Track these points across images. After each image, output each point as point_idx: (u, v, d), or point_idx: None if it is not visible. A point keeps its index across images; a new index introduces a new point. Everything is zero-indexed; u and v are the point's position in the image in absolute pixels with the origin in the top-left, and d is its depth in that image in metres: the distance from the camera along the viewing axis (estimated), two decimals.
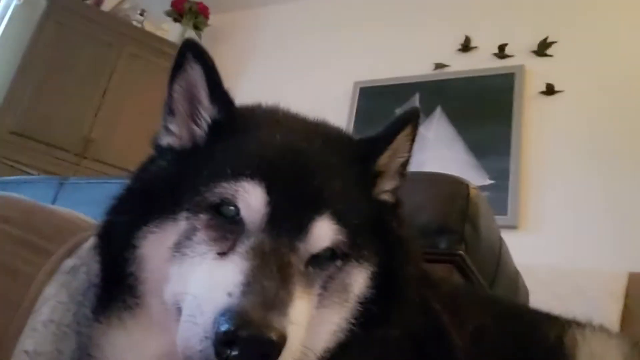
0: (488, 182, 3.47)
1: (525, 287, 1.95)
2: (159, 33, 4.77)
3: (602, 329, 0.80)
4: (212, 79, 0.73)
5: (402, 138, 0.75)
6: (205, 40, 4.99)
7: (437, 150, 3.73)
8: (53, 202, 2.18)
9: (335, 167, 0.69)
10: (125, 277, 0.68)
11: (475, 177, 3.48)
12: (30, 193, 2.35)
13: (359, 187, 0.71)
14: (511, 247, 2.04)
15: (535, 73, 3.64)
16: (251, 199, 0.63)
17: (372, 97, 4.12)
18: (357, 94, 4.19)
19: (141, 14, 4.71)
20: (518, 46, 3.75)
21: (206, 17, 4.91)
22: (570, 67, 3.57)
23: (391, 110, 3.95)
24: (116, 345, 0.67)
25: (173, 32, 4.96)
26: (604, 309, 2.73)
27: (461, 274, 1.33)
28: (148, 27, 4.78)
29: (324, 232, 0.63)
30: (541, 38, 3.68)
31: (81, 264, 0.74)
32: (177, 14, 4.83)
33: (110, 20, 4.51)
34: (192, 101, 0.74)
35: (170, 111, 0.76)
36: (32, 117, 4.04)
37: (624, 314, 2.72)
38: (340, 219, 0.64)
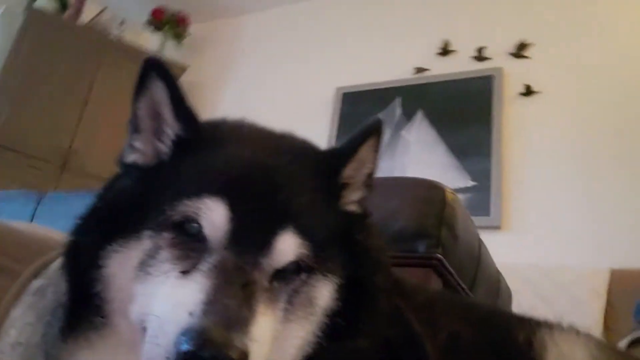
0: (470, 183, 3.50)
1: (507, 287, 1.96)
2: (138, 43, 4.75)
3: (571, 329, 0.81)
4: (176, 96, 0.73)
5: (366, 149, 0.75)
6: (186, 50, 4.99)
7: (419, 153, 3.76)
8: (32, 217, 2.16)
9: (300, 181, 0.70)
10: (92, 297, 0.67)
11: (457, 178, 3.51)
12: (9, 208, 2.33)
13: (323, 200, 0.71)
14: (495, 247, 2.06)
15: (514, 75, 3.69)
16: (214, 216, 0.62)
17: (354, 102, 4.14)
18: (340, 100, 4.20)
19: (120, 25, 4.68)
20: (496, 49, 3.80)
21: (186, 26, 4.90)
22: (547, 68, 3.62)
23: (374, 114, 3.97)
24: None
25: (153, 42, 4.94)
26: (587, 306, 2.77)
27: (440, 277, 1.34)
28: (128, 37, 4.75)
29: (287, 247, 0.63)
30: (518, 40, 3.74)
31: (49, 284, 0.73)
32: (157, 24, 4.81)
33: (89, 32, 4.49)
34: (157, 118, 0.74)
35: (135, 129, 0.76)
36: (13, 128, 4.00)
37: (607, 310, 2.76)
38: (304, 232, 0.65)
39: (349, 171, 0.75)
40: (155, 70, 0.73)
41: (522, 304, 2.77)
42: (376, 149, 0.76)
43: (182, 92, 0.73)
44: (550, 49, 3.66)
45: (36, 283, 0.73)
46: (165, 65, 0.73)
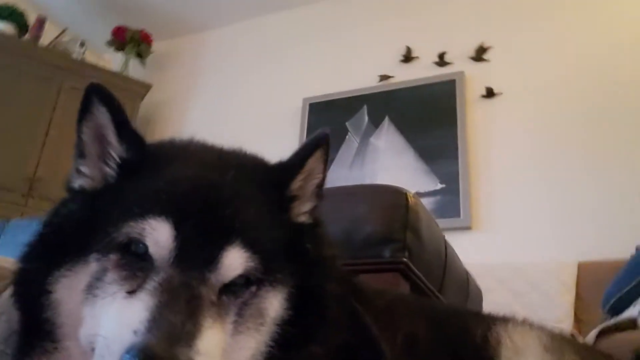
0: (439, 186, 3.55)
1: (477, 287, 2.00)
2: (101, 64, 4.69)
3: (525, 322, 0.83)
4: (119, 119, 0.74)
5: (313, 161, 0.76)
6: (150, 68, 4.95)
7: (388, 159, 3.80)
8: None
9: (246, 196, 0.70)
10: (43, 323, 0.67)
11: (426, 182, 3.57)
12: None
13: (271, 213, 0.72)
14: (466, 248, 2.10)
15: (475, 78, 3.78)
16: (158, 236, 0.63)
17: (322, 112, 4.18)
18: (307, 110, 4.23)
19: (81, 46, 4.62)
20: (456, 53, 3.89)
21: (149, 44, 4.86)
22: (506, 70, 3.73)
23: (342, 123, 4.02)
24: None
25: (115, 61, 4.89)
26: (558, 300, 2.83)
27: (408, 281, 1.36)
28: (89, 58, 4.69)
29: (234, 261, 0.64)
30: (477, 44, 3.84)
31: (1, 312, 0.72)
32: (119, 43, 4.76)
33: (49, 55, 4.41)
34: (101, 142, 0.75)
35: (80, 154, 0.76)
36: None
37: (576, 303, 2.82)
38: (251, 245, 0.65)
39: (297, 183, 0.76)
40: (98, 95, 0.74)
41: (496, 301, 2.82)
42: (324, 160, 0.77)
43: (125, 115, 0.74)
44: (508, 51, 3.77)
45: None
46: (107, 91, 0.74)
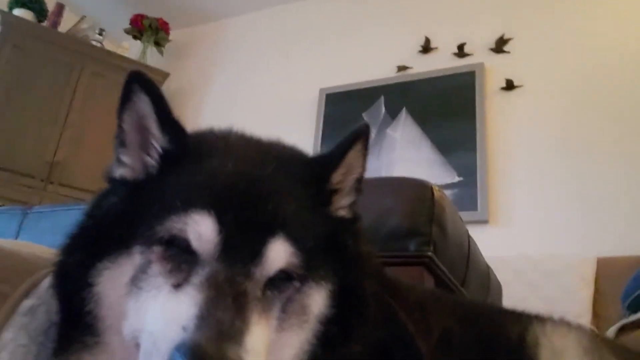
0: (457, 179, 3.53)
1: (497, 281, 1.99)
2: (119, 51, 4.71)
3: (562, 322, 0.82)
4: (161, 109, 0.73)
5: (354, 154, 0.75)
6: (168, 57, 4.96)
7: (405, 151, 3.78)
8: (17, 233, 2.12)
9: (288, 189, 0.70)
10: (84, 316, 0.67)
11: (443, 175, 3.54)
12: None
13: (313, 207, 0.71)
14: (484, 241, 2.08)
15: (495, 70, 3.73)
16: (201, 230, 0.62)
17: (338, 103, 4.15)
18: (324, 101, 4.21)
19: (100, 33, 4.64)
20: (476, 45, 3.84)
21: (167, 32, 4.86)
22: (527, 62, 3.67)
23: (358, 114, 4.00)
24: None
25: (134, 49, 4.90)
26: (576, 294, 2.81)
27: (432, 274, 1.35)
28: (108, 45, 4.71)
29: (278, 255, 0.63)
30: (498, 35, 3.78)
31: (40, 303, 0.72)
32: (137, 31, 4.77)
33: (69, 41, 4.43)
34: (143, 132, 0.74)
35: (121, 143, 0.75)
36: None
37: (595, 298, 2.80)
38: (294, 240, 0.65)
39: (337, 177, 0.75)
40: (139, 83, 0.72)
41: (513, 295, 2.81)
42: (364, 154, 0.76)
43: (167, 104, 0.73)
44: (529, 43, 3.71)
45: (27, 303, 0.72)
46: (149, 79, 0.73)
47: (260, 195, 0.66)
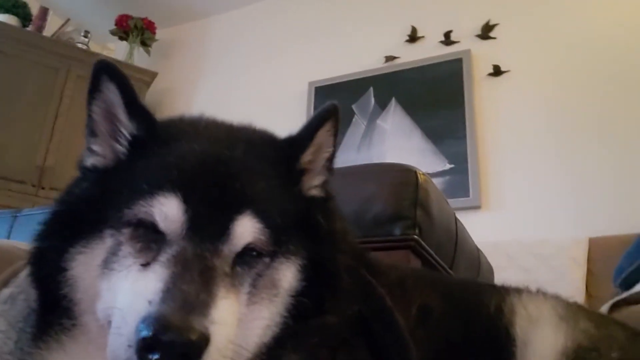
0: (448, 166, 3.54)
1: (488, 264, 2.00)
2: (105, 53, 4.69)
3: (539, 292, 0.83)
4: (128, 96, 0.74)
5: (323, 134, 0.76)
6: (155, 55, 4.94)
7: (396, 141, 3.79)
8: (8, 236, 2.12)
9: (256, 169, 0.71)
10: (60, 300, 0.68)
11: (434, 162, 3.55)
12: None
13: (282, 186, 0.72)
14: (476, 227, 2.09)
15: (482, 56, 3.74)
16: (167, 210, 0.64)
17: (327, 96, 4.15)
18: (313, 94, 4.21)
19: (85, 36, 4.61)
20: (462, 32, 3.85)
21: (153, 32, 4.84)
22: (514, 47, 3.68)
23: (348, 106, 4.00)
24: None
25: (120, 50, 4.88)
26: (569, 276, 2.83)
27: (419, 258, 1.36)
28: (93, 48, 4.69)
29: (244, 230, 0.65)
30: (484, 22, 3.79)
31: (19, 291, 0.73)
32: (123, 32, 4.74)
33: (54, 45, 4.40)
34: (112, 120, 0.75)
35: (91, 132, 0.76)
36: None
37: (588, 278, 2.82)
38: (261, 216, 0.66)
39: (307, 156, 0.76)
40: (106, 72, 0.74)
41: (507, 279, 2.82)
42: (334, 133, 0.77)
43: (134, 91, 0.74)
44: (515, 28, 3.72)
45: (6, 291, 0.73)
46: (115, 67, 0.74)
47: (228, 174, 0.67)
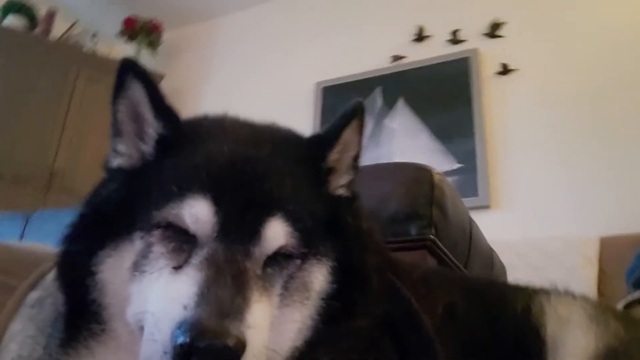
0: (456, 165, 3.53)
1: (501, 263, 1.99)
2: (112, 55, 4.70)
3: (567, 293, 0.83)
4: (154, 95, 0.73)
5: (349, 132, 0.75)
6: (162, 58, 4.95)
7: (404, 140, 3.78)
8: (21, 238, 2.13)
9: (284, 169, 0.70)
10: (89, 305, 0.68)
11: (443, 162, 3.54)
12: None
13: (310, 186, 0.71)
14: (486, 226, 2.08)
15: (489, 54, 3.72)
16: (198, 212, 0.63)
17: (335, 95, 4.15)
18: (321, 94, 4.21)
19: (92, 38, 4.63)
20: (470, 30, 3.83)
21: (160, 33, 4.85)
22: (522, 45, 3.66)
23: None
24: None
25: (127, 52, 4.89)
26: (580, 274, 2.81)
27: (435, 257, 1.36)
28: (101, 50, 4.70)
29: (276, 233, 0.64)
30: (491, 20, 3.77)
31: (47, 295, 0.73)
32: (130, 34, 4.76)
33: (62, 47, 4.43)
34: (137, 119, 0.74)
35: (117, 132, 0.76)
36: None
37: (599, 277, 2.80)
38: (292, 218, 0.65)
39: (334, 155, 0.75)
40: (132, 71, 0.73)
41: (518, 278, 2.80)
42: (360, 131, 0.76)
43: (160, 91, 0.73)
44: (523, 26, 3.70)
45: (34, 295, 0.73)
46: (141, 66, 0.73)
47: (257, 175, 0.67)
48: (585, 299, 0.83)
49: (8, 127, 4.03)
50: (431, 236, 1.31)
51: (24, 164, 4.02)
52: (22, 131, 4.07)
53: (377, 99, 4.00)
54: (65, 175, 4.07)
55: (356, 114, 0.75)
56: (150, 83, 0.73)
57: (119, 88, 0.74)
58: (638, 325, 0.78)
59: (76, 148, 4.16)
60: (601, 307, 0.81)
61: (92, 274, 0.67)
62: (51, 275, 0.76)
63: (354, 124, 0.75)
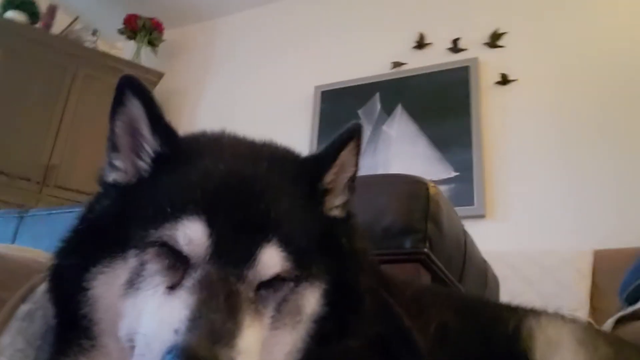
0: (453, 174, 3.53)
1: (494, 276, 1.99)
2: (113, 52, 4.69)
3: (557, 315, 0.83)
4: (153, 112, 0.73)
5: (346, 154, 0.75)
6: (162, 56, 4.94)
7: (401, 147, 3.78)
8: (14, 237, 2.12)
9: (280, 190, 0.70)
10: (80, 320, 0.67)
11: (440, 170, 3.55)
12: None
13: (305, 207, 0.71)
14: (480, 236, 2.09)
15: (489, 64, 3.73)
16: (192, 234, 0.62)
17: (333, 100, 4.15)
18: (319, 98, 4.21)
19: (93, 34, 4.61)
20: (471, 39, 3.84)
21: (160, 32, 4.84)
22: (522, 56, 3.67)
23: (354, 111, 4.00)
24: None
25: (127, 50, 4.88)
26: (573, 288, 2.82)
27: (428, 271, 1.36)
28: (101, 47, 4.69)
29: (271, 258, 0.64)
30: (492, 30, 3.78)
31: (37, 308, 0.72)
32: (131, 31, 4.75)
33: (62, 43, 4.41)
34: (135, 135, 0.74)
35: (113, 147, 0.75)
36: None
37: (592, 291, 2.81)
38: (287, 242, 0.65)
39: (330, 176, 0.75)
40: (131, 87, 0.73)
41: (510, 290, 2.81)
42: (357, 153, 0.76)
43: (158, 108, 0.73)
44: (523, 37, 3.71)
45: (24, 308, 0.72)
46: (140, 82, 0.73)
47: (252, 195, 0.67)
48: (575, 321, 0.83)
49: (5, 122, 4.01)
50: (425, 250, 1.31)
51: (21, 159, 4.00)
52: (19, 126, 4.06)
53: (375, 105, 4.00)
54: (60, 171, 4.06)
55: (354, 136, 0.75)
56: (149, 100, 0.73)
57: (118, 103, 0.74)
58: (626, 349, 0.79)
59: (72, 144, 4.15)
60: (591, 330, 0.82)
61: (85, 289, 0.67)
62: (42, 288, 0.75)
63: (351, 146, 0.75)
